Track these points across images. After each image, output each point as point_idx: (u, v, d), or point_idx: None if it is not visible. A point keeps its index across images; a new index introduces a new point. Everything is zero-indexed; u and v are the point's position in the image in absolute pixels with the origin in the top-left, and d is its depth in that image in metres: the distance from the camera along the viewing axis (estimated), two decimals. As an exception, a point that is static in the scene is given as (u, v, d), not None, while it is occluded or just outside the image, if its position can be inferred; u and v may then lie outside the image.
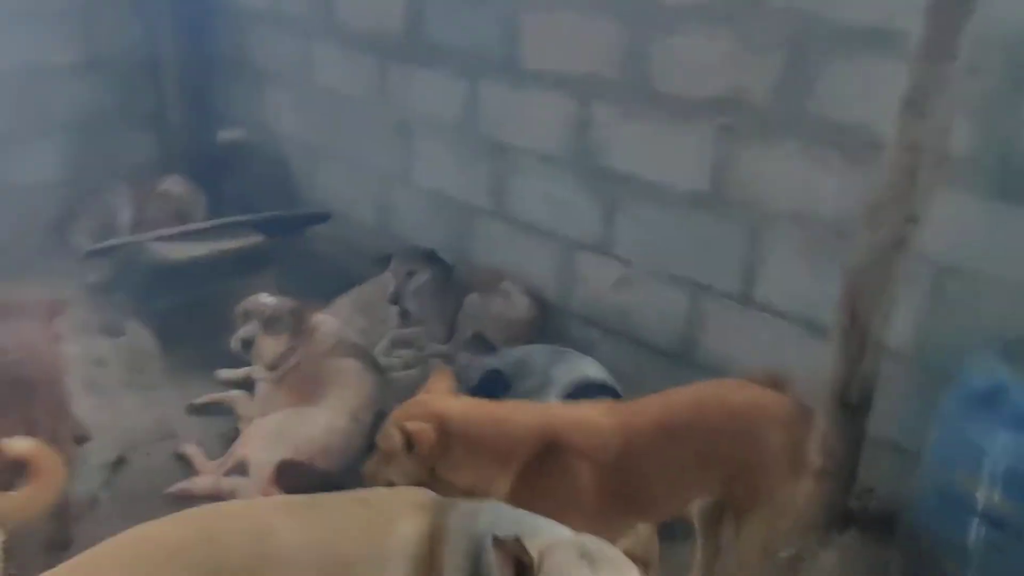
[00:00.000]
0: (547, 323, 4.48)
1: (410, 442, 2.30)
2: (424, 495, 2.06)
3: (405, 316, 4.48)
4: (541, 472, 2.38)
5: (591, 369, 3.71)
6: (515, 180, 4.53)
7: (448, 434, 2.33)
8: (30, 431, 2.44)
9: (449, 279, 4.51)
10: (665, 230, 3.95)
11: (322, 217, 5.12)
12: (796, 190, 3.47)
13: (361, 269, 5.13)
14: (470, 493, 2.23)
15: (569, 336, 4.45)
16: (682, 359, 4.04)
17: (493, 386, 3.74)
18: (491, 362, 3.83)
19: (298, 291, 4.66)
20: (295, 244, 5.27)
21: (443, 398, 2.50)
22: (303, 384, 3.62)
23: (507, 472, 2.38)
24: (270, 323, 3.61)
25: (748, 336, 3.76)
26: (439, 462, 2.32)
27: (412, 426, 2.31)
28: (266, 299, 3.70)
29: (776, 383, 2.74)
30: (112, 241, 4.52)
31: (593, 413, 2.56)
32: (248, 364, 3.72)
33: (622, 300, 4.20)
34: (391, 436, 2.34)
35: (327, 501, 2.03)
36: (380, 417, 3.43)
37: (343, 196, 5.53)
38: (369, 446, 3.34)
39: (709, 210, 3.77)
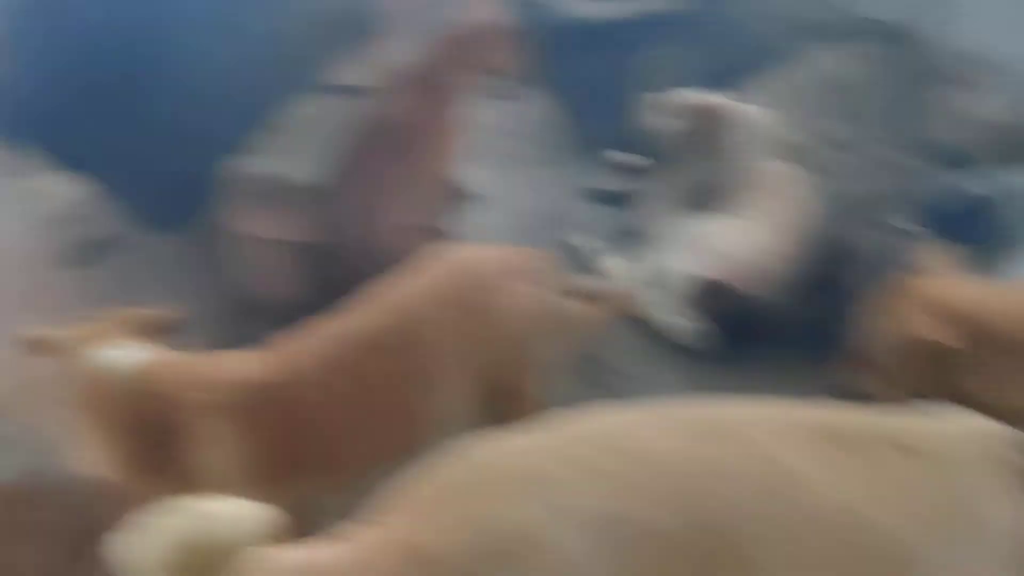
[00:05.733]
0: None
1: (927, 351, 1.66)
2: (999, 439, 1.39)
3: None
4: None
5: None
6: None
7: (986, 337, 1.66)
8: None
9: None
10: None
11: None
12: None
13: (784, 43, 4.21)
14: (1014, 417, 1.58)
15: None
16: None
17: (976, 221, 2.88)
18: (973, 187, 2.93)
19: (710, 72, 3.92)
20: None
21: (956, 284, 1.79)
22: (715, 188, 3.02)
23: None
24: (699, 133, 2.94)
25: None
26: (968, 377, 1.67)
27: (927, 331, 1.65)
28: (692, 97, 3.01)
29: None
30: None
31: None
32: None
33: None
34: (895, 338, 1.71)
35: (858, 441, 1.35)
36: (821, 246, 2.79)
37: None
38: (803, 280, 2.75)
39: None
